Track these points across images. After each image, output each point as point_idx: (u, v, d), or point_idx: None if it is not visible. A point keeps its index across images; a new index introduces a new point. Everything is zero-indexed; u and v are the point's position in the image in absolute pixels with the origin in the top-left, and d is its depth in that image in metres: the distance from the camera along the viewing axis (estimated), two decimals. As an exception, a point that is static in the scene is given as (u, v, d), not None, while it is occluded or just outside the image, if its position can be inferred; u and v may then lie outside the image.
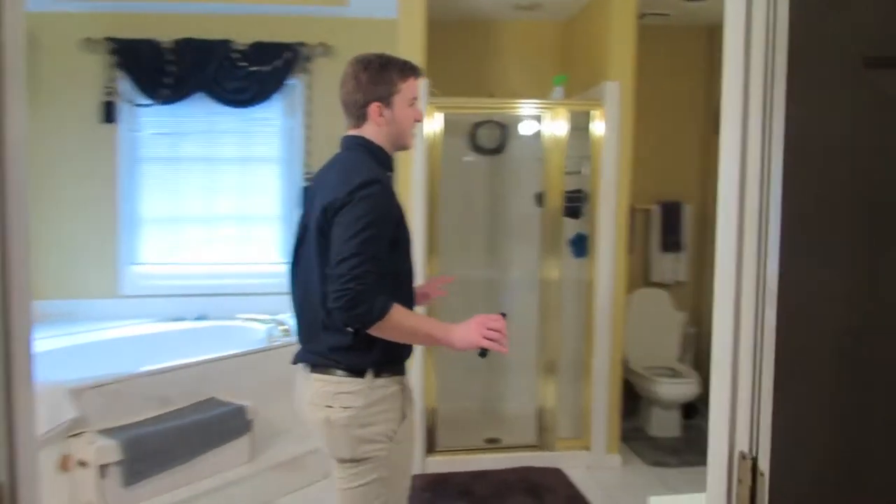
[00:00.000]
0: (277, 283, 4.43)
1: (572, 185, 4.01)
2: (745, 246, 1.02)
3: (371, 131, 1.99)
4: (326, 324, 1.90)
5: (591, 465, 3.87)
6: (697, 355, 4.74)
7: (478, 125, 4.46)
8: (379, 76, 1.95)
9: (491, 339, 1.85)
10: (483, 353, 1.90)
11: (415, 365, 3.67)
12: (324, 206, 1.85)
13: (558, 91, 3.99)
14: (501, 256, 4.51)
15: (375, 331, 1.80)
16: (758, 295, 0.98)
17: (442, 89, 3.82)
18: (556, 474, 3.71)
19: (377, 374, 1.91)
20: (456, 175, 4.29)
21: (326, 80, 4.45)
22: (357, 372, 1.91)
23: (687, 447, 4.16)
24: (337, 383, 1.91)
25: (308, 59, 4.43)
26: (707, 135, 4.81)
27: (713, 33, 4.77)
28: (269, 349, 3.79)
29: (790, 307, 0.92)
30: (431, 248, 3.76)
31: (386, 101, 1.96)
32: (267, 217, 4.54)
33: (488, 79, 4.55)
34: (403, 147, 2.05)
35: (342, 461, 1.93)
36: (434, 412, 3.85)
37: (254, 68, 4.34)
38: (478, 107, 4.18)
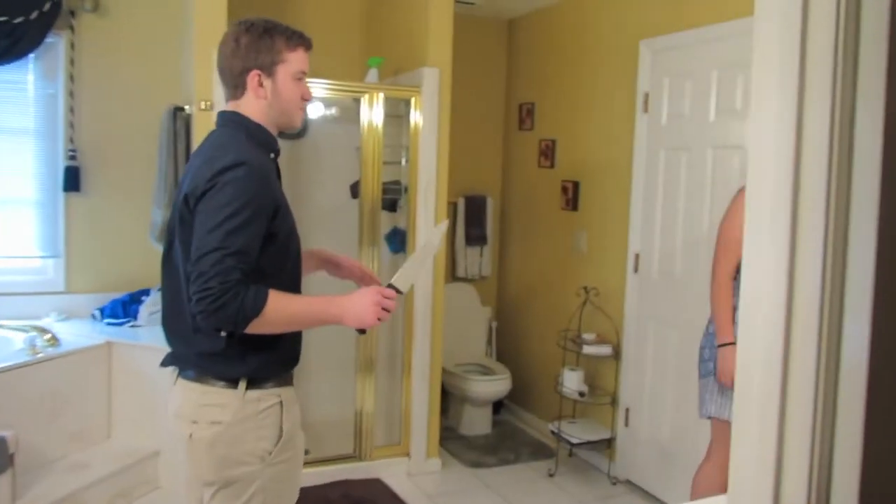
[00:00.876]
0: (37, 281, 3.73)
1: (391, 175, 3.85)
2: (799, 247, 0.91)
3: (250, 106, 1.77)
4: (194, 325, 1.67)
5: (412, 471, 3.75)
6: (500, 349, 4.83)
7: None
8: (262, 41, 1.74)
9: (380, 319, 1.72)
10: (363, 331, 1.77)
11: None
12: (186, 194, 1.65)
13: (373, 74, 3.80)
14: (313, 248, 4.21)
15: (253, 329, 1.61)
16: (826, 300, 0.88)
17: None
18: (377, 485, 3.54)
19: (252, 385, 1.70)
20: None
21: (95, 40, 3.83)
22: (229, 381, 1.70)
23: (500, 444, 4.20)
24: (203, 393, 1.70)
25: (72, 13, 3.78)
26: (508, 129, 4.91)
27: (514, 26, 4.87)
28: (31, 364, 3.16)
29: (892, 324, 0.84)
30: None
31: (268, 70, 1.75)
32: (20, 201, 3.80)
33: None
34: (289, 127, 1.84)
35: (208, 485, 1.70)
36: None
37: (1, 18, 3.60)
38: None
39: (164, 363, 1.82)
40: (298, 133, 4.12)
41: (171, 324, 1.78)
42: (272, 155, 1.79)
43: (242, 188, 1.59)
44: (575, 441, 3.73)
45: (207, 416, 1.68)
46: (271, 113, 1.77)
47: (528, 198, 4.67)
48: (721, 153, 3.22)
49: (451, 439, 4.19)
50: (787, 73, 0.92)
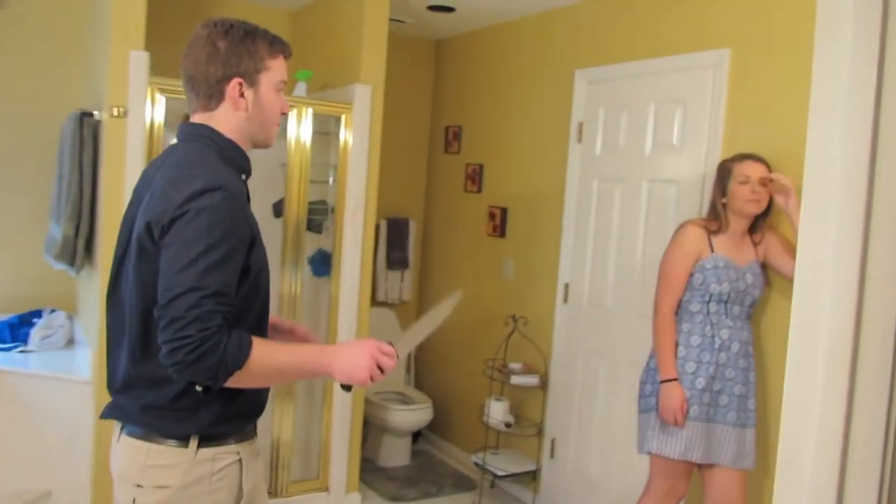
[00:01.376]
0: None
1: (317, 195, 3.70)
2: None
3: (224, 118, 1.58)
4: (142, 373, 1.51)
5: (331, 507, 3.60)
6: (420, 378, 4.73)
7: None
8: (244, 46, 1.56)
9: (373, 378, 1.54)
10: (348, 388, 1.58)
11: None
12: (148, 221, 1.45)
13: (301, 87, 3.66)
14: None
15: (233, 382, 1.43)
16: None
17: (163, 70, 3.23)
18: (295, 524, 3.36)
19: (205, 443, 1.52)
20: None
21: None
22: (178, 438, 1.51)
23: (421, 476, 4.10)
24: (149, 452, 1.51)
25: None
26: (433, 152, 4.85)
27: (442, 48, 4.84)
28: None
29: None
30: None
31: (251, 78, 1.58)
32: None
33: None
34: (265, 143, 1.66)
35: None
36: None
37: None
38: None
39: (105, 415, 1.60)
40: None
41: (113, 368, 1.58)
42: (243, 176, 1.62)
43: (219, 217, 1.41)
44: (500, 473, 3.68)
45: (153, 479, 1.50)
46: (249, 127, 1.60)
47: (452, 222, 4.62)
48: (656, 186, 3.27)
49: (369, 471, 4.05)
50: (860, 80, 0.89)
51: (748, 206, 2.63)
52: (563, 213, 3.74)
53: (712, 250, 2.65)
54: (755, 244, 2.73)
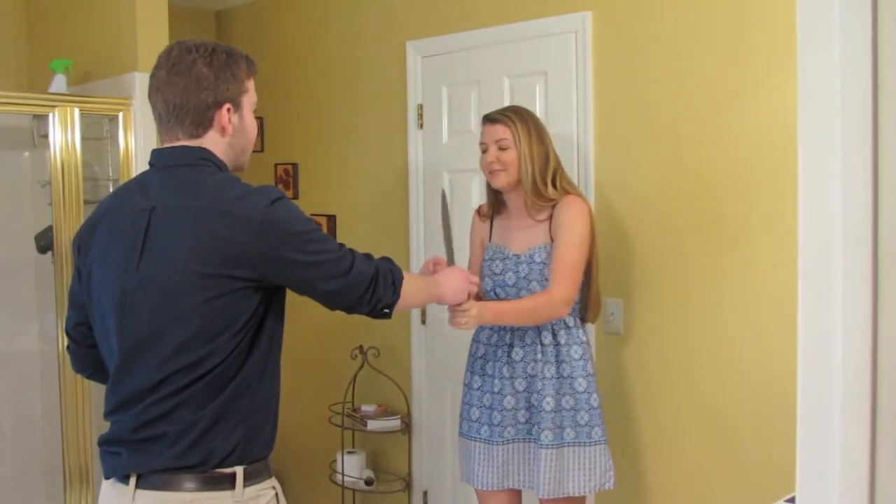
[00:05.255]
0: None
1: (93, 219, 3.40)
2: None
3: (211, 144, 1.80)
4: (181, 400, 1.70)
5: None
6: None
7: None
8: (229, 69, 1.80)
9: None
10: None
11: None
12: (226, 256, 1.69)
13: (60, 81, 3.35)
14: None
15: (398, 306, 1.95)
16: None
17: None
18: None
19: (248, 479, 1.74)
20: None
21: None
22: (217, 478, 1.71)
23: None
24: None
25: None
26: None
27: (223, 20, 4.64)
28: None
29: None
30: None
31: (237, 103, 1.82)
32: None
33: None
34: (241, 167, 1.91)
35: None
36: None
37: None
38: None
39: (112, 472, 1.75)
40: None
41: (128, 411, 1.73)
42: None
43: (301, 213, 1.81)
44: (364, 543, 3.59)
45: None
46: (231, 152, 1.84)
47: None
48: (523, 175, 3.32)
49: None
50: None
51: (490, 178, 2.71)
52: (408, 215, 3.71)
53: (490, 238, 2.82)
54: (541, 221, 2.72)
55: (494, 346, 2.72)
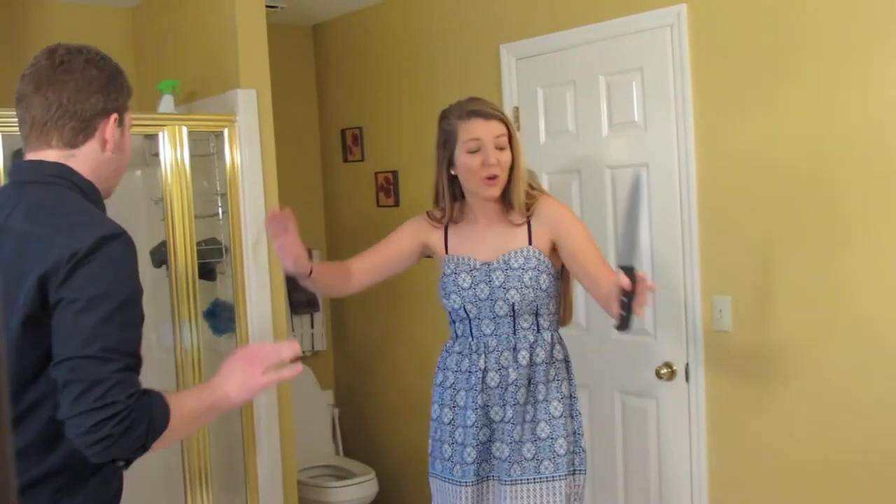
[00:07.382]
0: None
1: (204, 233, 3.57)
2: None
3: (86, 157, 1.69)
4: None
5: None
6: (350, 443, 4.64)
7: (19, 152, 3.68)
8: (119, 78, 1.73)
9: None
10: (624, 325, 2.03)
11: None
12: (40, 275, 1.50)
13: (167, 101, 3.53)
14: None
15: (156, 445, 1.56)
16: None
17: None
18: None
19: None
20: None
21: None
22: None
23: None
24: None
25: None
26: (329, 162, 4.79)
27: (320, 33, 4.79)
28: None
29: None
30: None
31: (121, 117, 1.74)
32: None
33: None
34: (108, 193, 1.80)
35: None
36: None
37: None
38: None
39: None
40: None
41: None
42: None
43: (127, 268, 1.58)
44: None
45: None
46: (106, 171, 1.73)
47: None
48: (622, 172, 3.32)
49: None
50: None
51: (488, 186, 2.41)
52: (508, 219, 3.76)
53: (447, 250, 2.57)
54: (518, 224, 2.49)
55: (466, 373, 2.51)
